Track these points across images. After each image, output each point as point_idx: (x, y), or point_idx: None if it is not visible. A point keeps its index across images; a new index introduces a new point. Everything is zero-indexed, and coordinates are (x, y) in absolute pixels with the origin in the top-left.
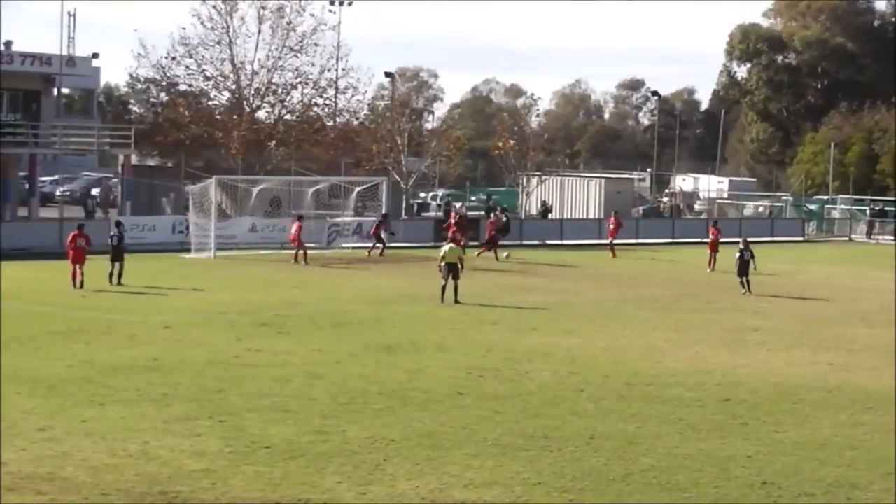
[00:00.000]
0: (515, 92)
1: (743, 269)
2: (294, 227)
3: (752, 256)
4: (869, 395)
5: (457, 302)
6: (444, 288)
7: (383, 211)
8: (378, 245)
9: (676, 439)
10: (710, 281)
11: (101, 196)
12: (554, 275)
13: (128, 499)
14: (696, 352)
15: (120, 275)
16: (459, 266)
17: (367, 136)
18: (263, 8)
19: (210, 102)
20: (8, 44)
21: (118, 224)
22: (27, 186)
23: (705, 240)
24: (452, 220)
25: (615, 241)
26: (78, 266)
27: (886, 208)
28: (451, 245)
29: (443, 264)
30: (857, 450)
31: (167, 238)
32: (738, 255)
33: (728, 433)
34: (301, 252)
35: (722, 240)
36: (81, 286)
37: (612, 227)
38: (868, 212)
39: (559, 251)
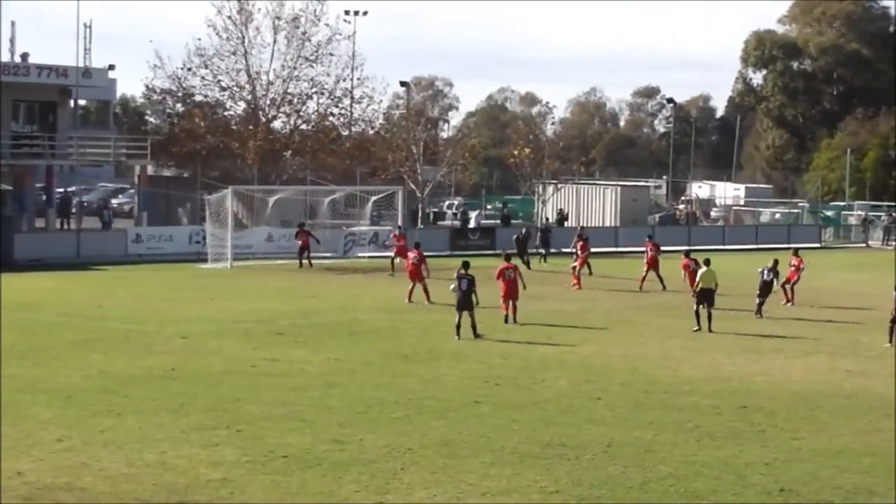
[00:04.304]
0: (530, 100)
1: (765, 289)
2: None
3: (777, 276)
4: (887, 402)
5: (710, 331)
6: (697, 314)
7: (304, 220)
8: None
9: (694, 447)
10: (725, 288)
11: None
12: (569, 283)
13: None
14: (713, 359)
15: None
16: (714, 291)
17: (382, 146)
18: (278, 18)
19: (226, 113)
20: (24, 56)
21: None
22: (44, 198)
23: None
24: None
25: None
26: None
27: None
28: (707, 268)
29: (697, 289)
30: (876, 456)
31: (184, 248)
32: (762, 274)
33: (745, 440)
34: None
35: (747, 246)
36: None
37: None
38: (884, 218)
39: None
